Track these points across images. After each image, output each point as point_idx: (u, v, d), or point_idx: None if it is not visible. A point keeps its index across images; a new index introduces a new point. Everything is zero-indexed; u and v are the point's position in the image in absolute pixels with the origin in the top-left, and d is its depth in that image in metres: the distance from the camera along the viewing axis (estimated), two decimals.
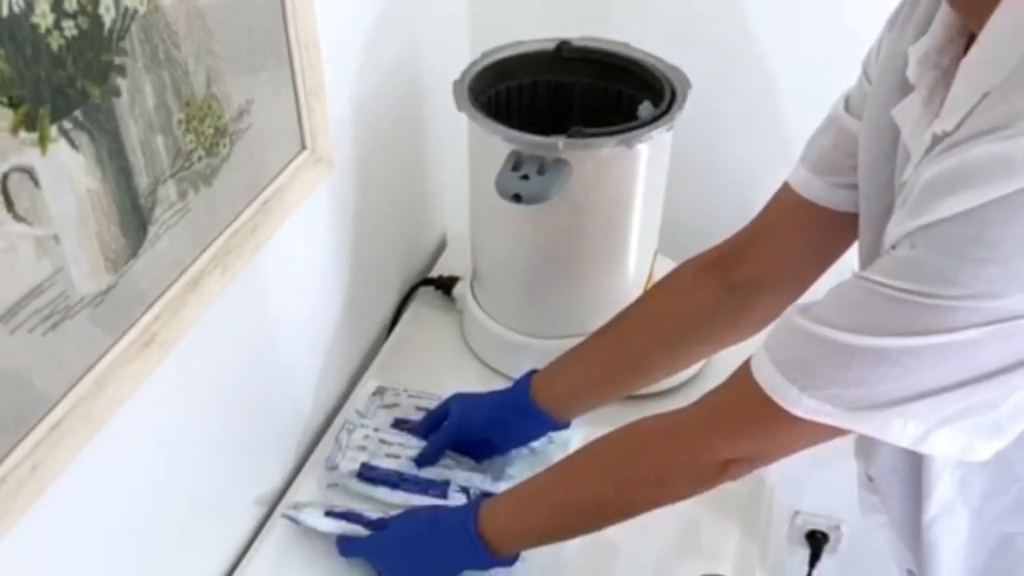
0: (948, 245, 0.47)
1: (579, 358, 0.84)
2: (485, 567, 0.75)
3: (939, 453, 0.53)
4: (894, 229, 0.52)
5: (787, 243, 0.74)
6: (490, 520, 0.74)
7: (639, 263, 1.01)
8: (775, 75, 1.06)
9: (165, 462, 0.71)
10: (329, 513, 0.84)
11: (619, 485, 0.69)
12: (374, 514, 0.84)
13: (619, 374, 0.84)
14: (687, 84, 0.92)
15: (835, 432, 0.56)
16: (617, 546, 0.83)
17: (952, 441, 0.52)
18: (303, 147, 0.82)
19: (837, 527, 1.48)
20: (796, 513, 1.48)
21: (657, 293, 0.84)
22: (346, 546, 0.83)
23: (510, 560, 0.76)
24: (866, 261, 0.67)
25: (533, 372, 0.87)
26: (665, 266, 1.09)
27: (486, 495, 0.83)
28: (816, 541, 1.49)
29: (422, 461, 0.89)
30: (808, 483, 1.44)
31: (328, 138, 0.84)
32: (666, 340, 0.81)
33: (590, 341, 0.85)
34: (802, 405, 0.54)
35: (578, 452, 0.74)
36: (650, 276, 1.04)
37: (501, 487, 0.86)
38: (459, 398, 0.91)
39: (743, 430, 0.60)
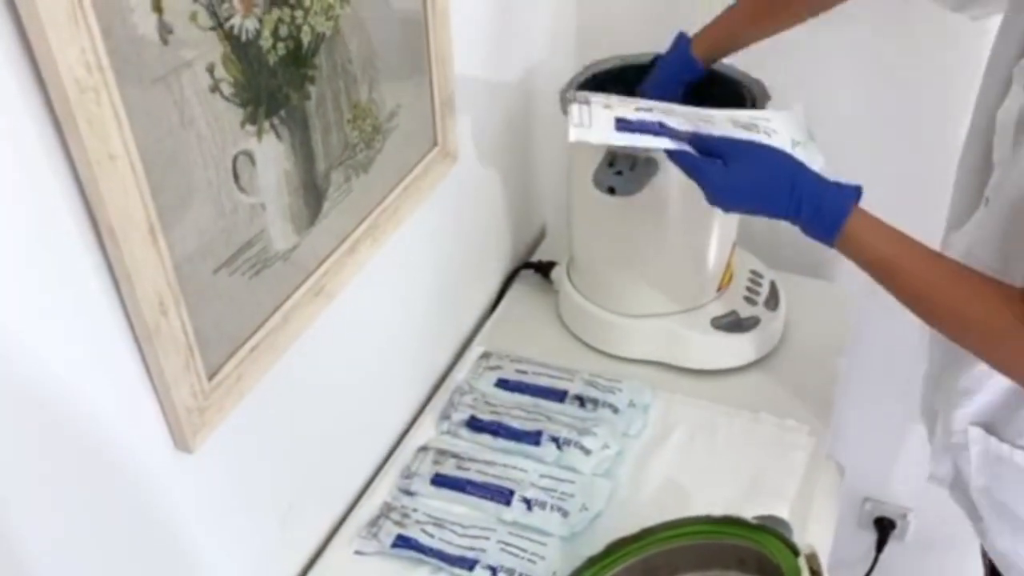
0: None
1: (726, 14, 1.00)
2: (824, 239, 0.78)
3: None
4: None
5: None
6: (855, 221, 0.77)
7: (719, 253, 1.13)
8: (844, 87, 1.17)
9: (324, 387, 0.88)
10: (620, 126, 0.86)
11: (941, 300, 0.75)
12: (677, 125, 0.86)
13: (759, 16, 0.99)
14: (766, 94, 1.04)
15: None
16: (689, 493, 0.96)
17: None
18: (435, 143, 0.99)
19: (905, 516, 1.54)
20: (866, 499, 1.55)
21: None
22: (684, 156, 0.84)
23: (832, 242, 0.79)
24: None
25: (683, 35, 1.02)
26: (743, 258, 1.21)
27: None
28: (884, 528, 1.56)
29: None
30: (879, 471, 1.52)
31: (455, 137, 1.00)
32: None
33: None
34: None
35: (943, 258, 0.78)
36: (729, 266, 1.16)
37: (587, 441, 1.00)
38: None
39: None
